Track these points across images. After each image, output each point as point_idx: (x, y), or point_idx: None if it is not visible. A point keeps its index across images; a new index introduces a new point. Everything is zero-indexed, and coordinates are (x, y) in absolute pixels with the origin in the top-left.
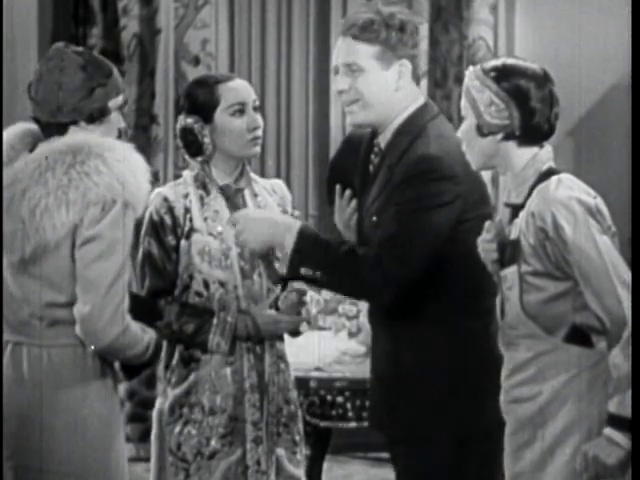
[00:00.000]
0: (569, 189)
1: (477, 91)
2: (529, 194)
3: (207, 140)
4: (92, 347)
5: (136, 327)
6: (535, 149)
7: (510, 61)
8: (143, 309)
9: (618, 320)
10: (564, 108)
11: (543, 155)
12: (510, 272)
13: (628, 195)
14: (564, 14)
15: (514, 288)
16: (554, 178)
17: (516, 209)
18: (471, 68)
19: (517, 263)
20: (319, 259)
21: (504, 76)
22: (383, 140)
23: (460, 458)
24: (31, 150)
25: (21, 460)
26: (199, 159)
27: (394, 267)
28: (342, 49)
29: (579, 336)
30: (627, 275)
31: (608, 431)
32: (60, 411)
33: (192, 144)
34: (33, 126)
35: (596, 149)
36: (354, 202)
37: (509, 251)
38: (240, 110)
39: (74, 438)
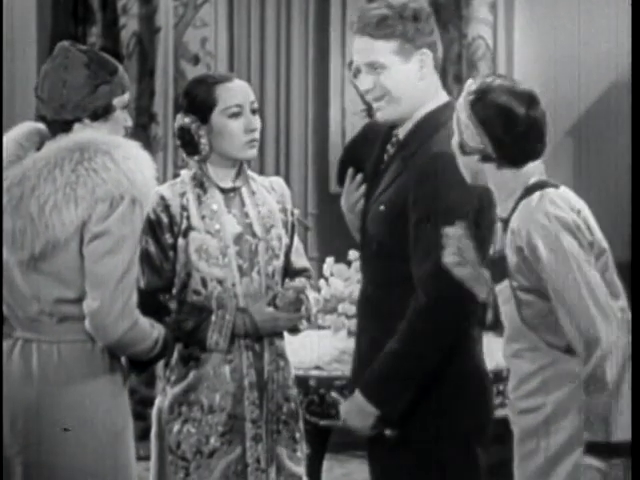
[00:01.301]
0: (549, 205)
1: (460, 110)
2: (514, 209)
3: (203, 140)
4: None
5: (145, 322)
6: (515, 170)
7: (494, 84)
8: (152, 304)
9: (589, 341)
10: (564, 107)
11: (529, 169)
12: (503, 287)
13: (628, 194)
14: (563, 13)
15: (509, 303)
16: (537, 194)
17: (505, 223)
18: (468, 82)
19: (508, 278)
20: (398, 382)
21: (478, 102)
22: (402, 132)
23: (438, 459)
24: (39, 148)
25: (30, 456)
26: (196, 158)
27: (440, 285)
28: (361, 49)
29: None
30: (603, 295)
31: (587, 460)
32: (69, 406)
33: (189, 144)
34: (40, 125)
35: (596, 148)
36: (363, 187)
37: (499, 266)
38: (237, 112)
39: (83, 433)
